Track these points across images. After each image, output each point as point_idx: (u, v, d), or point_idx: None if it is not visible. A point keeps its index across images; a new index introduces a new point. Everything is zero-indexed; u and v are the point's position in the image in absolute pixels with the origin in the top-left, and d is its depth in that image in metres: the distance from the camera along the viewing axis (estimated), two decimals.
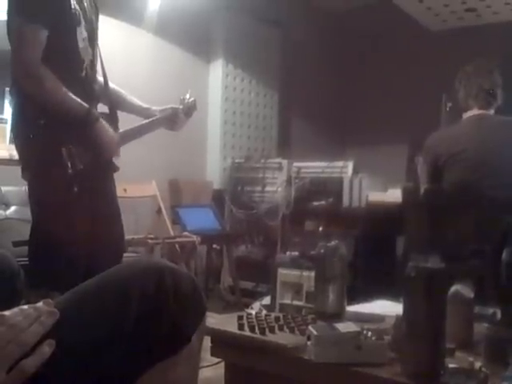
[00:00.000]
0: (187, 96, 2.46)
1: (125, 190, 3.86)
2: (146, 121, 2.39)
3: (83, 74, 2.08)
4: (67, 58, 2.03)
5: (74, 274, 1.90)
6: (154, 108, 2.43)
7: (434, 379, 1.14)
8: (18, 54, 1.94)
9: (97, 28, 2.19)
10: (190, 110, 2.47)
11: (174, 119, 2.42)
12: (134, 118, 2.45)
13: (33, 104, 1.99)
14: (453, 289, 1.47)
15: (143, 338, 0.87)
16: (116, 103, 2.30)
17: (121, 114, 2.31)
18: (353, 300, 1.79)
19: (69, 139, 1.99)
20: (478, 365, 1.23)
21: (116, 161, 2.21)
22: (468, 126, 2.95)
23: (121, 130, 2.26)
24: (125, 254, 2.32)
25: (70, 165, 1.96)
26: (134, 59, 4.65)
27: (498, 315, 1.52)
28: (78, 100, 2.01)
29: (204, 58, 5.29)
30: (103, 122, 2.09)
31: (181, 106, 2.44)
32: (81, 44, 2.06)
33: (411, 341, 1.20)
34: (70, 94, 1.98)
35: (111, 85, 2.33)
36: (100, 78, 2.28)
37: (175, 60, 5.00)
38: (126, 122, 2.37)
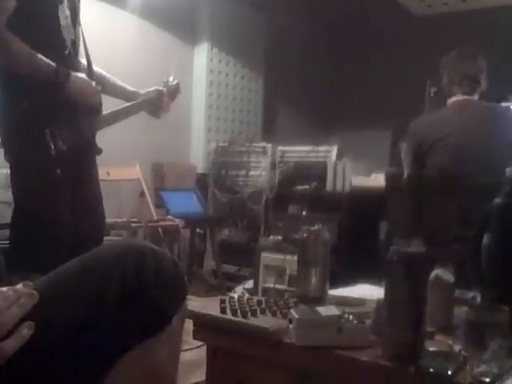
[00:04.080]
0: (170, 78, 2.43)
1: (108, 173, 3.84)
2: (129, 103, 2.37)
3: (66, 52, 2.06)
4: (49, 36, 2.00)
5: (56, 257, 1.89)
6: (140, 92, 2.41)
7: (413, 362, 1.15)
8: None
9: (79, 8, 2.16)
10: (173, 92, 2.44)
11: (158, 102, 2.40)
12: (119, 101, 2.43)
13: (14, 86, 1.96)
14: (433, 273, 1.48)
15: (124, 320, 0.87)
16: (100, 86, 2.27)
17: (105, 98, 2.29)
18: (335, 284, 1.79)
19: (51, 121, 1.97)
20: (457, 348, 1.24)
21: (99, 144, 2.19)
22: (452, 112, 2.96)
23: (103, 113, 2.24)
24: (107, 238, 2.32)
25: (53, 146, 1.95)
26: (118, 42, 4.60)
27: (478, 299, 1.53)
28: (46, 60, 1.94)
29: (189, 41, 5.25)
30: (75, 76, 2.02)
31: (164, 89, 2.41)
32: (63, 22, 2.03)
33: (392, 324, 1.21)
34: (38, 55, 1.92)
35: (95, 68, 2.31)
36: (83, 61, 2.25)
37: (159, 43, 4.96)
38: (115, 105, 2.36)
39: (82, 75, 2.08)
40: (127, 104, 2.37)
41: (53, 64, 1.96)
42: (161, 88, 2.41)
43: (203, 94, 5.28)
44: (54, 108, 1.97)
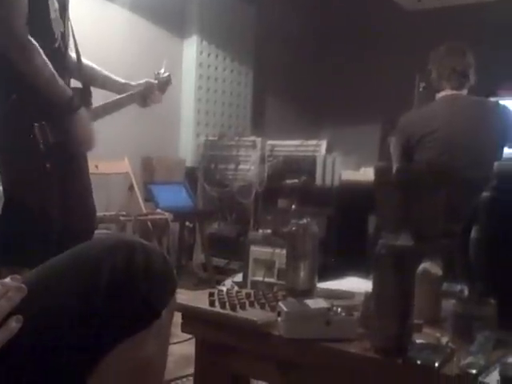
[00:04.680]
0: (162, 70, 2.43)
1: (96, 167, 3.83)
2: (120, 96, 2.36)
3: (56, 45, 2.05)
4: (39, 29, 1.98)
5: (46, 250, 1.88)
6: (131, 84, 2.40)
7: (401, 354, 1.16)
8: (7, 23, 1.87)
9: (68, 1, 2.15)
10: (164, 84, 2.44)
11: (149, 94, 2.40)
12: (109, 93, 2.42)
13: (4, 79, 1.95)
14: (421, 266, 1.49)
15: (113, 313, 0.87)
16: (90, 79, 2.26)
17: (95, 90, 2.28)
18: (324, 277, 1.80)
19: (41, 115, 1.96)
20: (444, 340, 1.25)
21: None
22: (441, 106, 2.98)
23: (94, 106, 2.23)
24: (96, 231, 2.31)
25: (41, 141, 1.94)
26: (107, 34, 4.58)
27: (466, 292, 1.54)
28: (64, 85, 1.98)
29: (178, 34, 5.23)
30: (83, 113, 2.06)
31: (155, 81, 2.41)
32: (52, 15, 2.02)
33: (380, 317, 1.22)
34: (56, 76, 1.95)
35: (85, 61, 2.30)
36: (72, 54, 2.24)
37: (149, 36, 4.94)
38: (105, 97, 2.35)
39: (87, 115, 2.09)
40: (118, 96, 2.36)
41: (70, 92, 2.00)
42: (152, 80, 2.40)
43: (192, 88, 5.27)
44: (43, 102, 1.96)
